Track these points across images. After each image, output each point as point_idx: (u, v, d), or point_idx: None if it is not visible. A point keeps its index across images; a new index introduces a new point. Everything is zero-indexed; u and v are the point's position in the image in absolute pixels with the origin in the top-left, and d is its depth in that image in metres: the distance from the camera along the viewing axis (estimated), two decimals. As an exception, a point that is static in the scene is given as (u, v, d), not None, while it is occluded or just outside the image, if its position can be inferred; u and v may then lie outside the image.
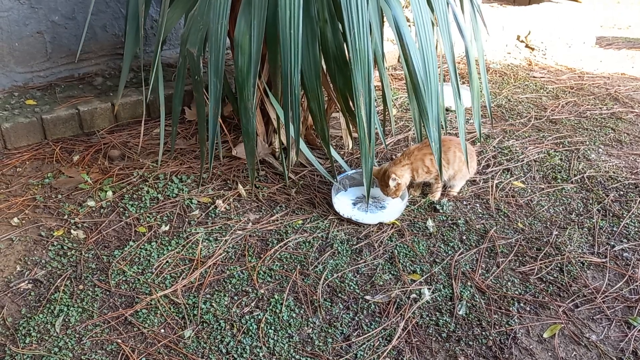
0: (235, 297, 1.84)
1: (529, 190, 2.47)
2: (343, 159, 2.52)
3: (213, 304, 1.81)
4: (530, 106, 3.33)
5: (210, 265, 1.97)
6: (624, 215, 2.31)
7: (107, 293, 1.84)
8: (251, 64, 1.87)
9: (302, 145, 2.36)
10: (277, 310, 1.79)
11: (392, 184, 2.20)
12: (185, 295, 1.84)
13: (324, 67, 2.43)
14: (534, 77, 3.82)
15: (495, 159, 2.71)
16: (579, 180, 2.55)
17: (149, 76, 2.31)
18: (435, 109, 1.99)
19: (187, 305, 1.80)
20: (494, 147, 2.81)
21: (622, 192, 2.46)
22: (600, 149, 2.84)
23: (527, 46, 4.43)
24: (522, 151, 2.78)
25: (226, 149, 2.64)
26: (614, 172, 2.61)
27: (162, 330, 1.71)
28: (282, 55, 1.80)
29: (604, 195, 2.44)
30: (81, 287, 1.86)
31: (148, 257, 1.99)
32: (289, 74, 1.82)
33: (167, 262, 1.98)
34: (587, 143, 2.89)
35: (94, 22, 2.92)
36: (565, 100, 3.43)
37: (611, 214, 2.32)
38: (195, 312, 1.77)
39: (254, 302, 1.82)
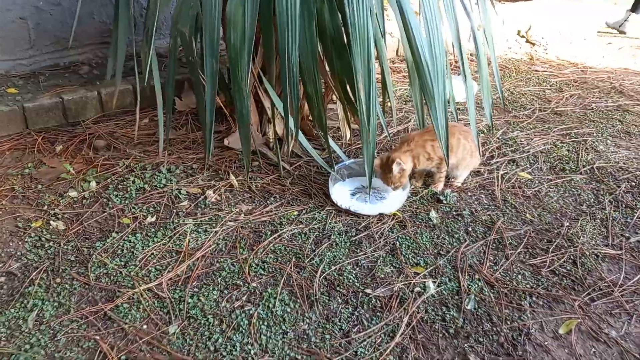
0: (225, 291, 1.70)
1: (537, 182, 2.35)
2: (341, 150, 2.38)
3: (201, 298, 1.67)
4: (534, 99, 3.22)
5: (198, 258, 1.83)
6: (638, 206, 2.18)
7: (86, 287, 1.70)
8: (245, 41, 1.73)
9: (301, 138, 2.23)
10: (270, 305, 1.65)
11: (396, 169, 2.07)
12: (171, 289, 1.70)
13: (321, 51, 2.32)
14: (535, 70, 3.71)
15: (500, 150, 2.59)
16: (588, 171, 2.43)
17: (138, 65, 2.18)
18: (441, 89, 1.86)
19: (173, 300, 1.66)
20: (498, 138, 2.69)
21: (634, 183, 2.34)
22: (608, 141, 2.72)
23: (527, 41, 4.33)
24: (528, 142, 2.66)
25: (218, 140, 2.51)
26: (624, 164, 2.49)
27: (145, 326, 1.57)
28: (279, 31, 1.67)
29: (615, 186, 2.32)
30: (58, 280, 1.71)
31: (132, 249, 1.85)
32: (286, 52, 1.69)
33: (152, 254, 1.84)
34: (595, 135, 2.77)
35: (81, 9, 2.79)
36: (569, 93, 3.31)
37: (624, 205, 2.19)
38: (181, 306, 1.63)
39: (245, 296, 1.69)
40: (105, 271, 1.76)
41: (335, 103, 2.78)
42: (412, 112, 2.93)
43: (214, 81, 1.74)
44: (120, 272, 1.75)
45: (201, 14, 1.78)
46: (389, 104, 2.82)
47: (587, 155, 2.56)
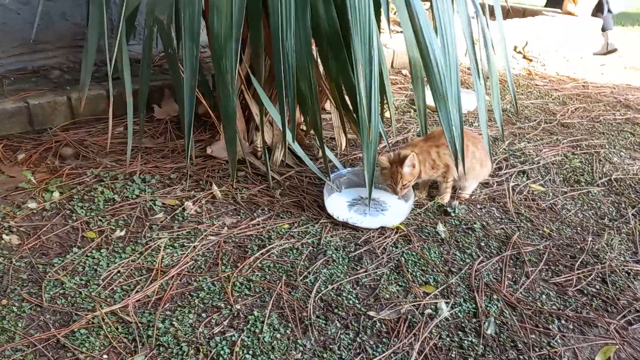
0: (203, 315, 1.44)
1: (551, 194, 2.13)
2: (337, 159, 2.16)
3: (174, 322, 1.41)
4: (538, 111, 3.03)
5: (173, 276, 1.57)
6: (665, 219, 1.98)
7: (38, 309, 1.43)
8: (232, 28, 1.51)
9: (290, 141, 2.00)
10: (257, 330, 1.40)
11: (408, 164, 1.83)
12: (139, 312, 1.44)
13: (315, 52, 2.12)
14: (536, 84, 3.54)
15: (508, 161, 2.38)
16: (605, 183, 2.23)
17: (114, 70, 1.94)
18: (455, 87, 1.66)
19: (140, 325, 1.39)
20: (505, 149, 2.49)
21: (657, 196, 2.14)
22: (622, 153, 2.53)
23: (524, 57, 4.19)
24: (537, 153, 2.45)
25: (200, 148, 2.27)
26: (643, 175, 2.29)
27: (105, 356, 1.30)
28: (271, 23, 1.47)
29: (636, 199, 2.11)
30: (4, 302, 1.44)
31: (95, 267, 1.59)
32: (281, 48, 1.48)
33: (118, 272, 1.58)
34: (607, 146, 2.58)
35: (52, 9, 2.57)
36: (574, 106, 3.14)
37: (650, 219, 1.98)
38: (149, 332, 1.37)
39: (227, 320, 1.43)
40: (61, 291, 1.49)
41: (330, 112, 2.58)
42: (411, 122, 2.73)
43: (194, 68, 1.52)
44: (80, 293, 1.49)
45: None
46: (387, 113, 2.62)
47: (602, 167, 2.36)
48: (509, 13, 4.83)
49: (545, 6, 5.09)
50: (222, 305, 1.48)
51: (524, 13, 4.83)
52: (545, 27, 4.36)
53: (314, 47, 2.02)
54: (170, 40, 1.64)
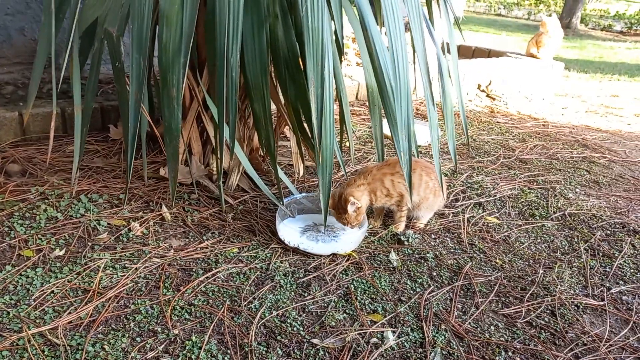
0: (138, 339, 1.37)
1: (505, 226, 2.13)
2: (293, 186, 2.13)
3: (105, 346, 1.33)
4: (497, 147, 3.07)
5: (110, 298, 1.50)
6: (616, 255, 1.99)
7: (-42, 329, 1.34)
8: (182, 40, 1.49)
9: (245, 162, 1.97)
10: (193, 357, 1.33)
11: (351, 209, 1.82)
12: (69, 334, 1.36)
13: (274, 77, 2.11)
14: (497, 122, 3.61)
15: (465, 193, 2.38)
16: (559, 217, 2.24)
17: (70, 89, 1.90)
18: (405, 113, 1.65)
19: (69, 348, 1.31)
20: (462, 182, 2.50)
21: (609, 232, 2.15)
22: (577, 189, 2.56)
23: (488, 95, 4.27)
24: (494, 187, 2.47)
25: (153, 170, 2.22)
26: (597, 211, 2.32)
27: (25, 381, 1.22)
28: (218, 24, 1.44)
29: (589, 233, 2.13)
30: None
31: (27, 286, 1.51)
32: (225, 51, 1.46)
33: (52, 292, 1.50)
34: (563, 182, 2.61)
35: (10, 24, 2.52)
36: (533, 144, 3.19)
37: (601, 254, 1.99)
38: (77, 356, 1.29)
39: (163, 346, 1.36)
40: (-13, 311, 1.40)
41: (289, 140, 2.56)
42: (371, 152, 2.73)
43: (140, 81, 1.48)
44: (7, 312, 1.40)
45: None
46: (347, 143, 2.62)
47: (557, 201, 2.38)
48: (474, 53, 4.97)
49: None
50: (159, 329, 1.41)
51: (488, 54, 4.96)
52: (509, 68, 4.48)
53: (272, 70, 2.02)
54: (119, 55, 1.61)
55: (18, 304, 1.44)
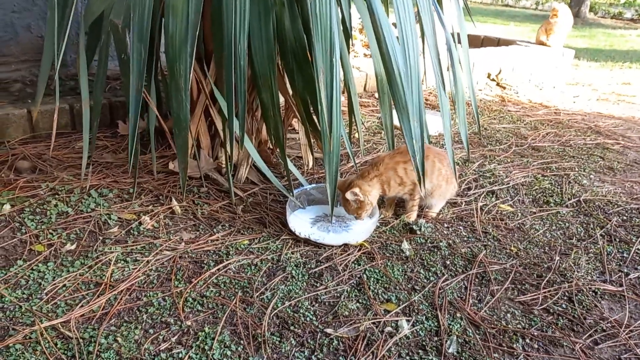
0: (151, 331, 1.36)
1: (519, 214, 2.10)
2: (302, 178, 2.11)
3: (118, 338, 1.32)
4: (509, 135, 3.03)
5: (122, 291, 1.49)
6: (633, 240, 1.95)
7: (-29, 324, 1.34)
8: (189, 29, 1.47)
9: (254, 154, 1.95)
10: (206, 347, 1.32)
11: (351, 197, 1.80)
12: (81, 327, 1.35)
13: (281, 67, 2.09)
14: (509, 110, 3.57)
15: (477, 181, 2.35)
16: (574, 204, 2.21)
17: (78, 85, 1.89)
18: (416, 98, 1.63)
19: (82, 340, 1.30)
20: (474, 170, 2.46)
21: (625, 217, 2.12)
22: (592, 175, 2.52)
23: (498, 84, 4.23)
24: (507, 175, 2.44)
25: (162, 164, 2.21)
26: (612, 197, 2.28)
27: (39, 374, 1.21)
28: (225, 11, 1.43)
29: (605, 219, 2.09)
30: (-64, 316, 1.35)
31: (39, 280, 1.50)
32: (232, 39, 1.44)
33: (64, 285, 1.49)
34: (577, 169, 2.58)
35: (17, 21, 2.52)
36: (545, 131, 3.15)
37: (617, 239, 1.96)
38: (90, 348, 1.28)
39: (176, 337, 1.35)
40: (0, 305, 1.40)
41: (297, 132, 2.54)
42: (381, 143, 2.70)
43: (140, 69, 1.47)
44: (20, 307, 1.40)
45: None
46: (356, 134, 2.59)
47: (572, 188, 2.34)
48: (483, 42, 4.91)
49: None
50: (172, 321, 1.40)
51: (497, 42, 4.91)
52: (519, 56, 4.43)
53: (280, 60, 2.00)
54: (125, 46, 1.60)
55: (30, 297, 1.44)
